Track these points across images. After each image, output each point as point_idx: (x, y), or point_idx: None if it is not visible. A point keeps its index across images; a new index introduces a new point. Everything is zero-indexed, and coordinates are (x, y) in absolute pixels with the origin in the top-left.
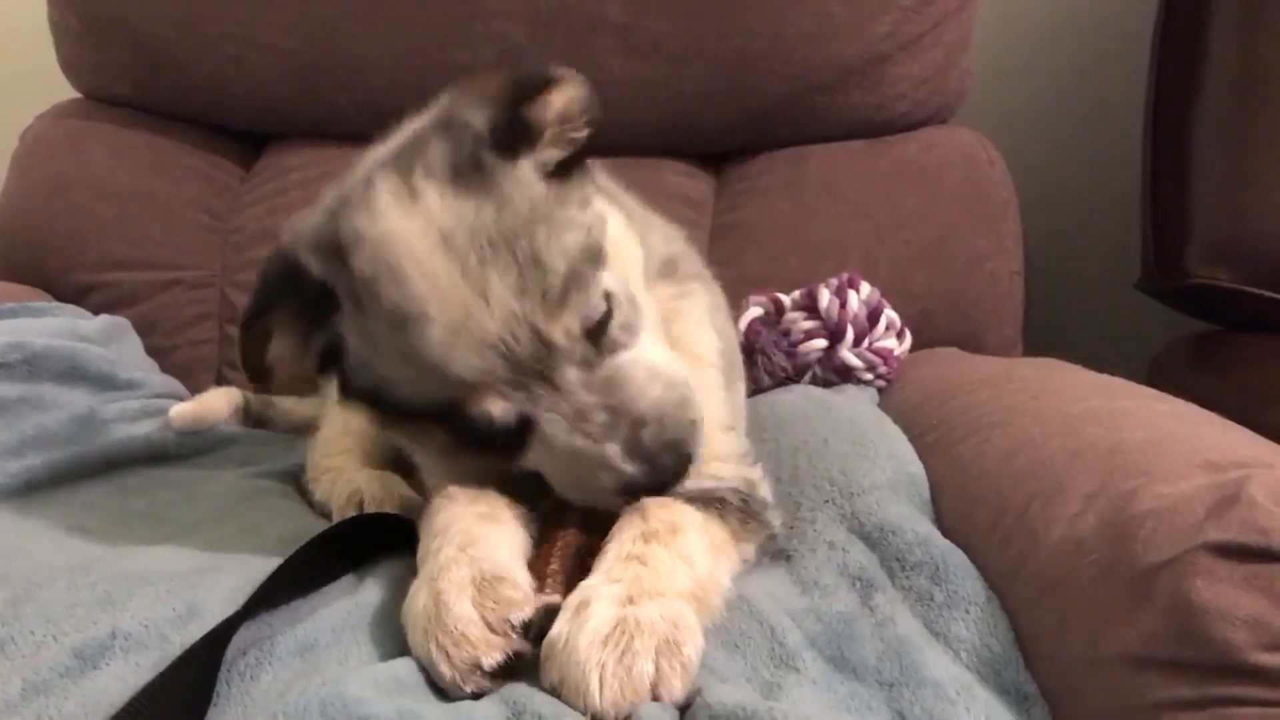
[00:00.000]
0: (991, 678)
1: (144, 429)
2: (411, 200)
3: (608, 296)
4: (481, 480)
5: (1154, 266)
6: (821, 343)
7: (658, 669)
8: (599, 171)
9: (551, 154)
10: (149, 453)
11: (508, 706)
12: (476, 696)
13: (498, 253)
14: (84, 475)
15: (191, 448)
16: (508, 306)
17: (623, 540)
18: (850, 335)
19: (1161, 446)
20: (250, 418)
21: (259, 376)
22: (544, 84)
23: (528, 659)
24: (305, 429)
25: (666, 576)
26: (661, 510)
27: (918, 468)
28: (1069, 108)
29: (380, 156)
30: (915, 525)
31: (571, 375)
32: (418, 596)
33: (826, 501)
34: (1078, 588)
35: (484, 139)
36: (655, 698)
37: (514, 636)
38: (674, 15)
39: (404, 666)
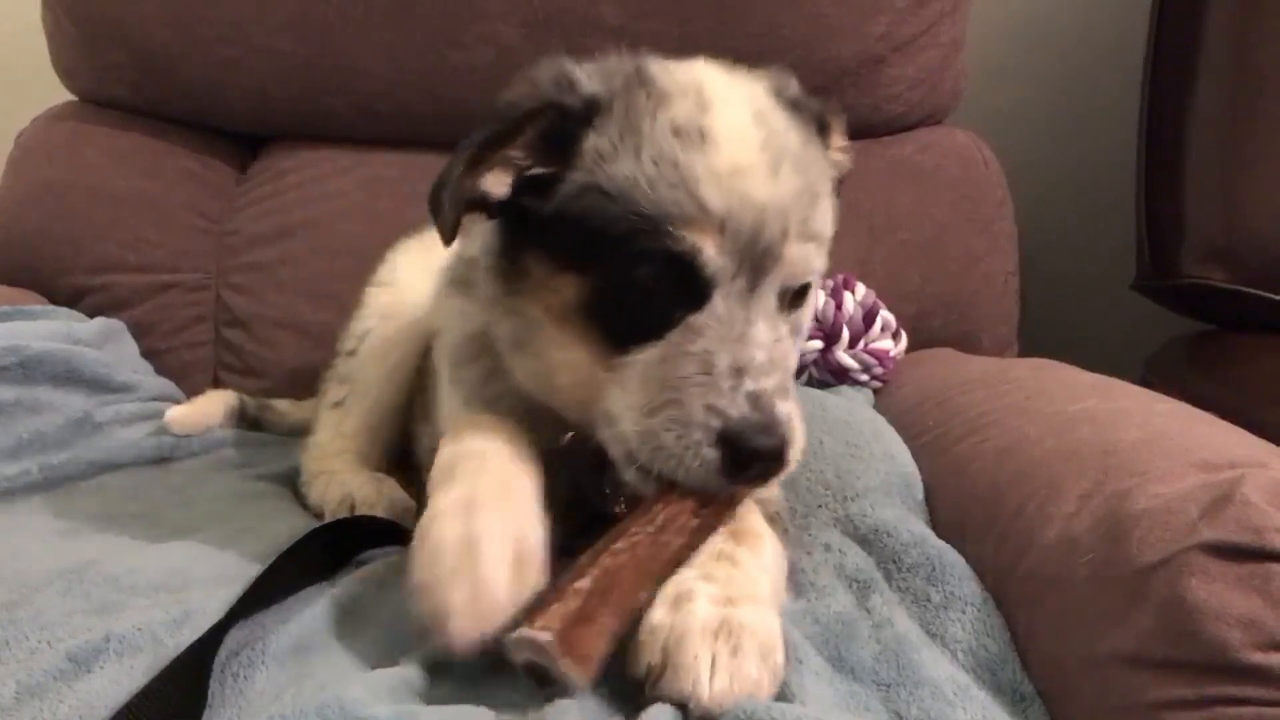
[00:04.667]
0: (988, 678)
1: (139, 432)
2: (737, 79)
3: (810, 286)
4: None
5: (1149, 266)
6: (817, 344)
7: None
8: None
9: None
10: (144, 455)
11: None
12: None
13: (791, 165)
14: (79, 478)
15: (187, 450)
16: (784, 197)
17: (712, 537)
18: (846, 336)
19: (1156, 446)
20: (245, 420)
21: (455, 216)
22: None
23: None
24: (300, 432)
25: (755, 582)
26: (747, 513)
27: (912, 468)
28: (1064, 108)
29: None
30: (910, 526)
31: (770, 299)
32: (447, 522)
33: (820, 506)
34: (1073, 588)
35: (819, 114)
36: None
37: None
38: (669, 17)
39: (400, 670)
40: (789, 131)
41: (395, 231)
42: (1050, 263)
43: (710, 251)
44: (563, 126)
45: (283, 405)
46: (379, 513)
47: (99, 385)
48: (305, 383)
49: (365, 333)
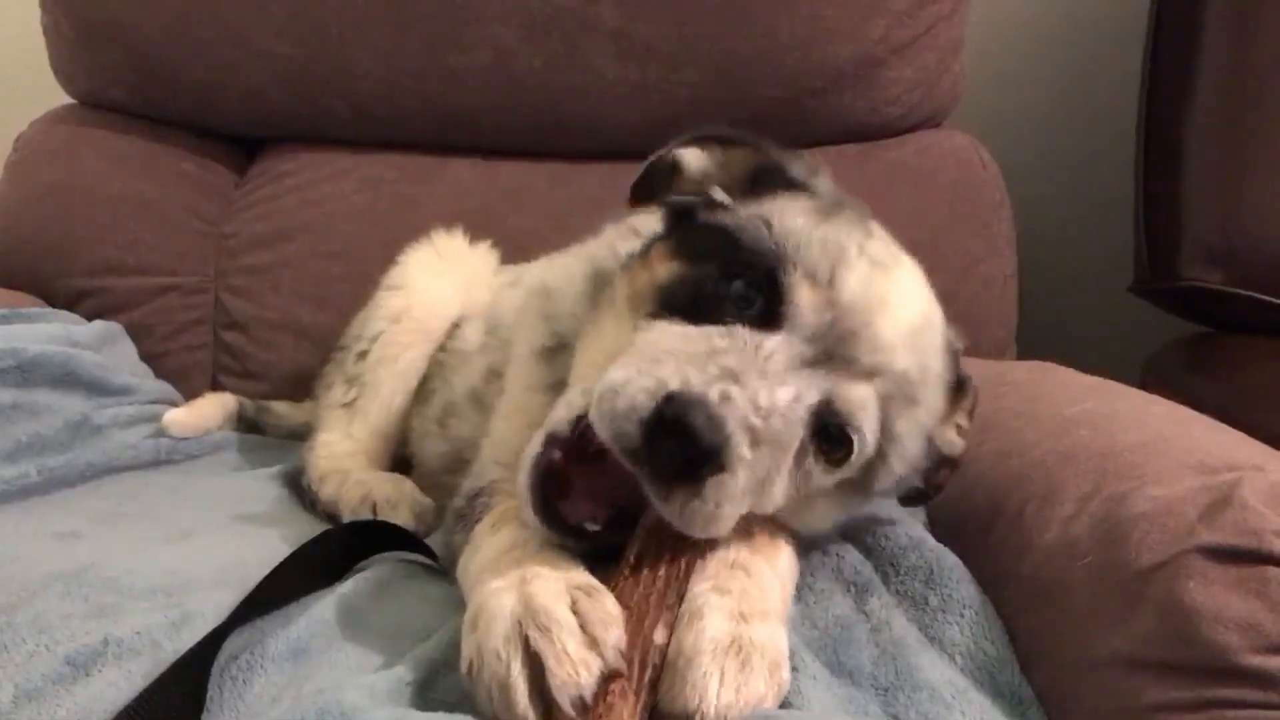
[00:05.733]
0: (987, 681)
1: (138, 434)
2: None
3: (855, 450)
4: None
5: (1147, 269)
6: None
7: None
8: None
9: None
10: (143, 458)
11: None
12: None
13: (915, 355)
14: (78, 481)
15: (185, 453)
16: (894, 356)
17: (729, 544)
18: None
19: (1154, 449)
20: (244, 423)
21: (649, 176)
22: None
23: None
24: (299, 434)
25: (768, 594)
26: (766, 532)
27: None
28: (1062, 111)
29: None
30: (908, 529)
31: (812, 392)
32: (500, 597)
33: None
34: (1072, 590)
35: (962, 381)
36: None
37: (608, 655)
38: (667, 19)
39: (400, 674)
40: (935, 359)
41: (394, 234)
42: (1048, 265)
43: (804, 303)
44: (768, 174)
45: (281, 408)
46: (401, 512)
47: (97, 388)
48: (304, 385)
49: (377, 335)
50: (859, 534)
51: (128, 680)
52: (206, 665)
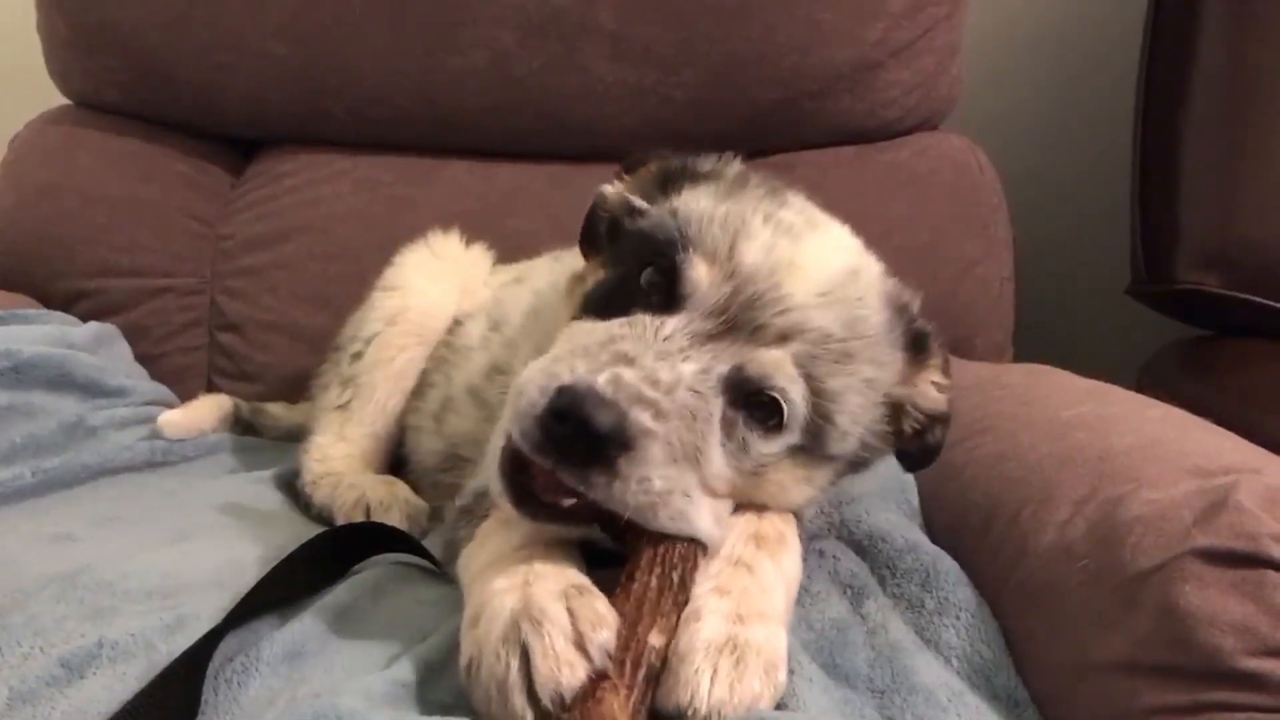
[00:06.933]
0: (982, 684)
1: (133, 436)
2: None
3: (786, 413)
4: None
5: (1143, 272)
6: None
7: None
8: None
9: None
10: (138, 460)
11: None
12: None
13: (840, 315)
14: (73, 483)
15: (180, 455)
16: (810, 318)
17: (733, 540)
18: None
19: (1150, 452)
20: (239, 424)
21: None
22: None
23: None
24: (294, 436)
25: (770, 595)
26: (776, 516)
27: (907, 474)
28: (1059, 113)
29: None
30: (905, 532)
31: (720, 365)
32: (503, 598)
33: (815, 511)
34: (1068, 594)
35: (919, 334)
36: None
37: (594, 654)
38: (665, 22)
39: (396, 676)
40: (869, 312)
41: (390, 235)
42: (1045, 268)
43: (701, 280)
44: (676, 175)
45: (276, 409)
46: (394, 515)
47: (93, 389)
48: (299, 387)
49: (372, 336)
50: (856, 536)
51: (122, 683)
52: (202, 668)
